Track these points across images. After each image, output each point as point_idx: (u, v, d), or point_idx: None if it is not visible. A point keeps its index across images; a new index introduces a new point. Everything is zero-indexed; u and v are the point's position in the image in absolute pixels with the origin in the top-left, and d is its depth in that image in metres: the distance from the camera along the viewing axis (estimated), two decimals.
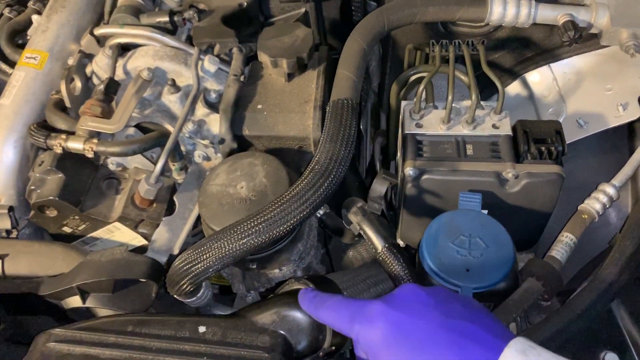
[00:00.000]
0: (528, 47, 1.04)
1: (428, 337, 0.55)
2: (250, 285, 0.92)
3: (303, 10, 1.04)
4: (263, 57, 0.92)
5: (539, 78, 1.06)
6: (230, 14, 0.99)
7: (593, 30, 0.93)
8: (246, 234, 0.72)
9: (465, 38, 1.04)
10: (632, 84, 0.96)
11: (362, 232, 0.80)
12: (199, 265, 0.73)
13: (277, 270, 0.89)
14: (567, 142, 0.98)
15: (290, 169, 0.88)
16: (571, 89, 1.02)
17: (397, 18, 0.90)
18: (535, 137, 0.86)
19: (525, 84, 1.08)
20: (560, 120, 1.02)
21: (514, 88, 1.10)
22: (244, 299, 0.99)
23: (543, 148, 0.84)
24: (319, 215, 0.92)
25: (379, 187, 0.77)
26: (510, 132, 0.87)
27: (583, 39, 0.91)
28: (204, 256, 0.72)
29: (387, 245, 0.78)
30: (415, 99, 0.89)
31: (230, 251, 0.71)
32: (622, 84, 0.97)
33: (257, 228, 0.72)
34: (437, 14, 0.92)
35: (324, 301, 0.65)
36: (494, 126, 0.88)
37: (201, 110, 0.95)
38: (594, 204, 0.84)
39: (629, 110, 0.95)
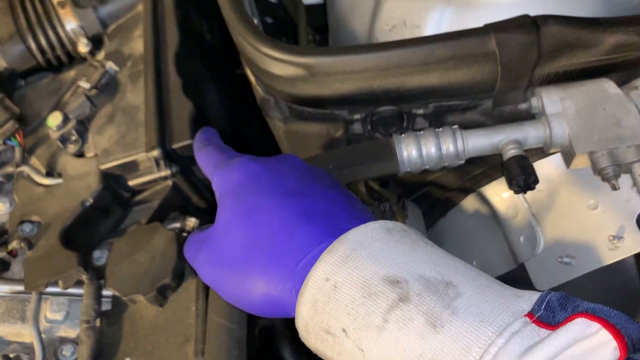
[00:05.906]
0: (473, 164, 0.76)
1: (277, 188, 0.51)
2: None
3: (170, 182, 0.79)
4: (116, 293, 0.68)
5: (499, 193, 0.79)
6: (73, 224, 0.75)
7: (552, 151, 0.66)
8: None
9: None
10: (623, 196, 0.69)
11: None
12: None
13: None
14: (553, 286, 0.72)
15: None
16: (544, 206, 0.75)
17: None
18: None
19: (484, 199, 0.81)
20: (538, 252, 0.75)
21: (470, 204, 0.83)
22: None
23: None
24: None
25: None
26: None
27: None
28: None
29: None
30: None
31: None
32: (611, 198, 0.70)
33: None
34: None
35: (205, 145, 0.62)
36: None
37: None
38: None
39: (626, 240, 0.68)
